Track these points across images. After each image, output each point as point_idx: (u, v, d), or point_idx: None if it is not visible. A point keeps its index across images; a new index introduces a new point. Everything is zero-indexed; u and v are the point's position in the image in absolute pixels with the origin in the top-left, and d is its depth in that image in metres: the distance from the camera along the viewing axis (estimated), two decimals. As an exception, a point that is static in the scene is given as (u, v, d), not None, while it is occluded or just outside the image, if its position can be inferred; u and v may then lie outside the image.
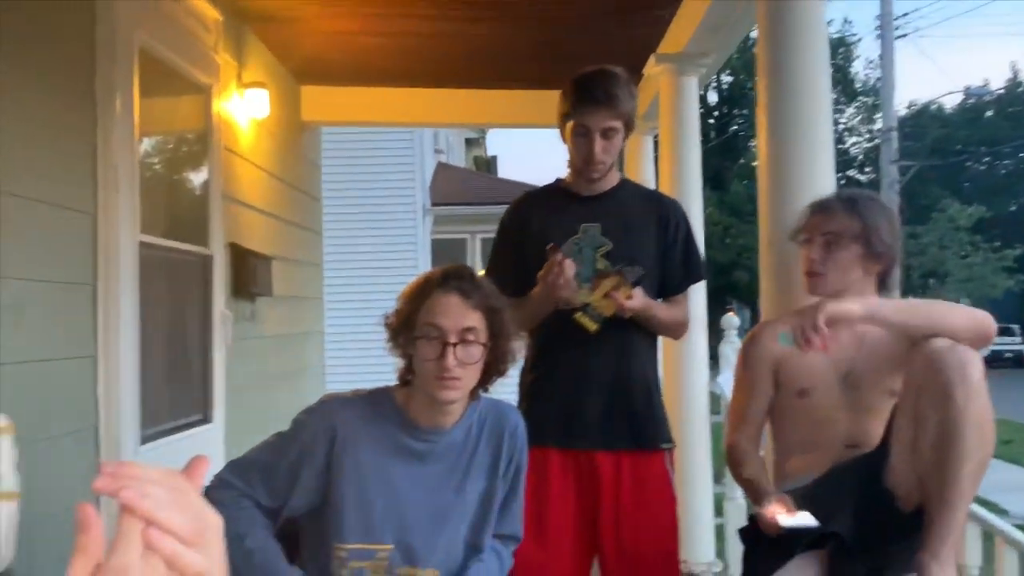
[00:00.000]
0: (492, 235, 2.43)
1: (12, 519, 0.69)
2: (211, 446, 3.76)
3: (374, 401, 1.77)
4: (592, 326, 2.16)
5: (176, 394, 3.66)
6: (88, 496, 0.66)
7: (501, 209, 2.53)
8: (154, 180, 3.52)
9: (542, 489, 2.18)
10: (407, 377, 1.77)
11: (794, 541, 1.79)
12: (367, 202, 9.45)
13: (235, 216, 4.18)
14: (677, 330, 2.38)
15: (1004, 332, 22.53)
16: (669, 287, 2.32)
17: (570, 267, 2.09)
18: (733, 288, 24.60)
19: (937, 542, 1.64)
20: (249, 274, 4.17)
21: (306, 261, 5.65)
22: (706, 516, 4.14)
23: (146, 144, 3.35)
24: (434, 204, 10.40)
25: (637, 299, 2.14)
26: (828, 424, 1.95)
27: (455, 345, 1.63)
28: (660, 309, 2.25)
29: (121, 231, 2.92)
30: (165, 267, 3.46)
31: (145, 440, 3.19)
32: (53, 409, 2.58)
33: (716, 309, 4.23)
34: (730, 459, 2.07)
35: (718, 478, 4.31)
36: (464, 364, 1.64)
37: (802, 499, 1.85)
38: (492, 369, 1.73)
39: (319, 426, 1.71)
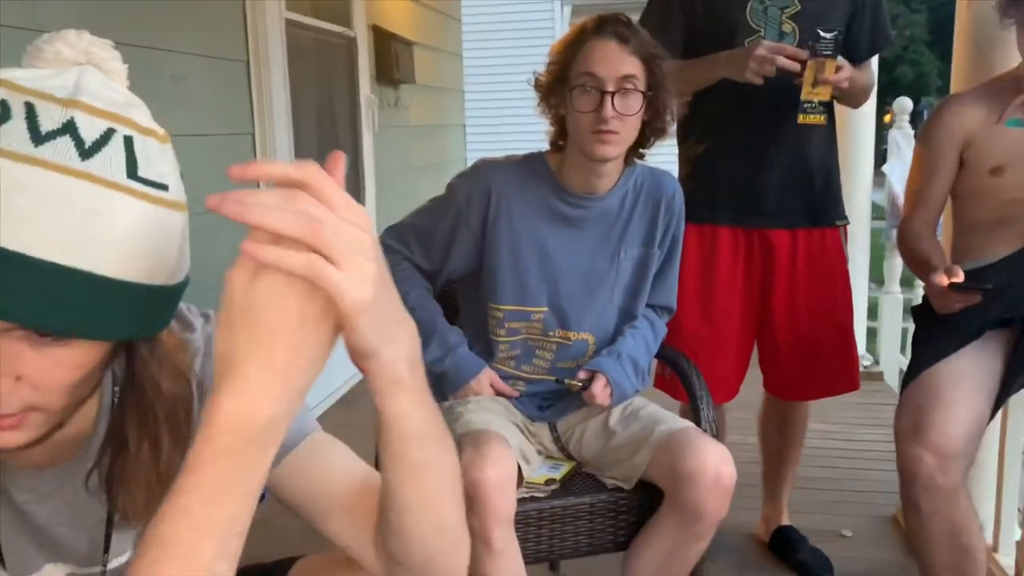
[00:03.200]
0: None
1: (184, 230, 0.69)
2: (363, 229, 3.89)
3: (527, 165, 1.72)
4: (820, 119, 2.03)
5: (329, 176, 3.77)
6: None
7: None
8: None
9: (710, 267, 2.12)
10: (559, 142, 1.71)
11: (975, 321, 1.68)
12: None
13: (376, -3, 4.09)
14: (863, 96, 2.15)
15: None
16: (855, 53, 2.07)
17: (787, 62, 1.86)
18: (896, 85, 22.70)
19: None
20: (392, 59, 4.13)
21: (447, 50, 5.54)
22: (859, 312, 4.02)
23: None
24: (573, -8, 9.85)
25: (846, 69, 1.92)
26: (1023, 203, 1.76)
27: (613, 94, 1.54)
28: (855, 77, 2.00)
29: (268, 6, 2.90)
30: (312, 47, 3.45)
31: (303, 218, 3.32)
32: (217, 184, 2.69)
33: (877, 109, 3.87)
34: (902, 239, 1.93)
35: (871, 283, 4.14)
36: (623, 116, 1.55)
37: (989, 276, 1.71)
38: (650, 127, 1.63)
39: (474, 188, 1.69)
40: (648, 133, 1.65)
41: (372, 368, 0.65)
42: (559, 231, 1.71)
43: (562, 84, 1.61)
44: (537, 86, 1.68)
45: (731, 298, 2.14)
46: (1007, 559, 2.14)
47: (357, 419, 2.05)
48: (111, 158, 0.62)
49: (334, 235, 0.56)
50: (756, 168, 2.08)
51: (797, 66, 1.87)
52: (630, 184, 1.73)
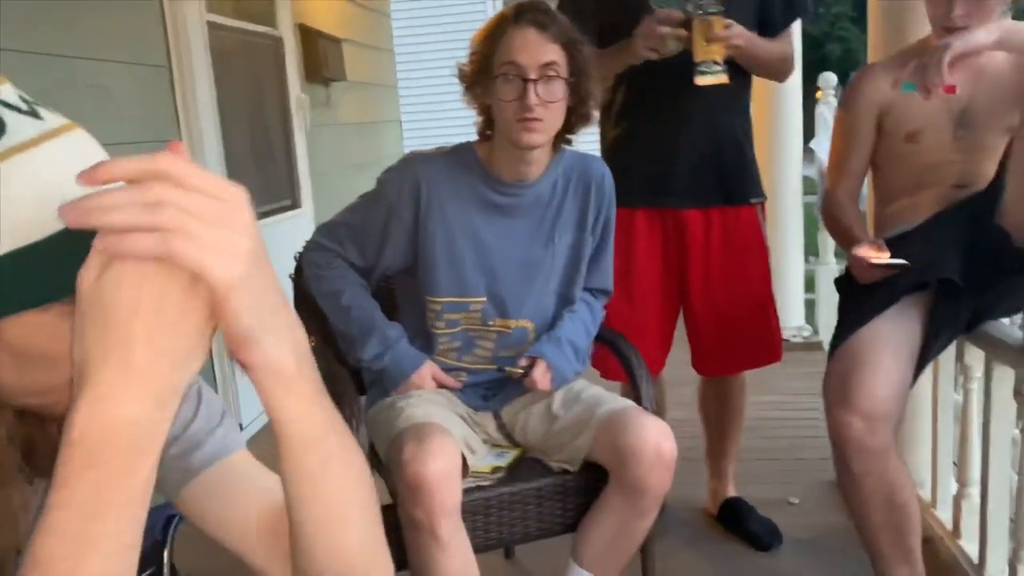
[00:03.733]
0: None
1: None
2: (301, 230, 3.86)
3: (456, 156, 1.72)
4: (722, 78, 1.99)
5: (263, 179, 3.72)
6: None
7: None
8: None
9: (628, 248, 2.15)
10: (486, 131, 1.71)
11: (893, 288, 1.73)
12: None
13: (301, -5, 4.04)
14: (782, 67, 2.18)
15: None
16: (770, 22, 2.11)
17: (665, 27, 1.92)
18: (825, 62, 23.15)
19: None
20: (320, 57, 4.08)
21: (377, 46, 5.50)
22: (796, 285, 4.11)
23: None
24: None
25: (736, 26, 1.95)
26: (938, 167, 1.82)
27: (536, 82, 1.55)
28: (762, 43, 2.06)
29: (188, 11, 2.85)
30: (237, 49, 3.40)
31: (238, 223, 3.28)
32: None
33: (806, 86, 3.97)
34: (826, 210, 1.99)
35: (808, 256, 4.22)
36: (546, 103, 1.56)
37: (907, 244, 1.77)
38: (575, 113, 1.64)
39: (404, 182, 1.68)
40: (573, 119, 1.66)
41: (253, 361, 0.58)
42: (492, 220, 1.71)
43: (485, 74, 1.61)
44: (462, 77, 1.68)
45: (650, 279, 2.18)
46: (945, 513, 2.21)
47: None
48: (41, 111, 0.65)
49: (187, 215, 0.51)
50: (667, 150, 2.11)
51: (684, 32, 1.91)
52: (560, 170, 1.74)
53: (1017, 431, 1.88)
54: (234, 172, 3.23)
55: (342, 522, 0.68)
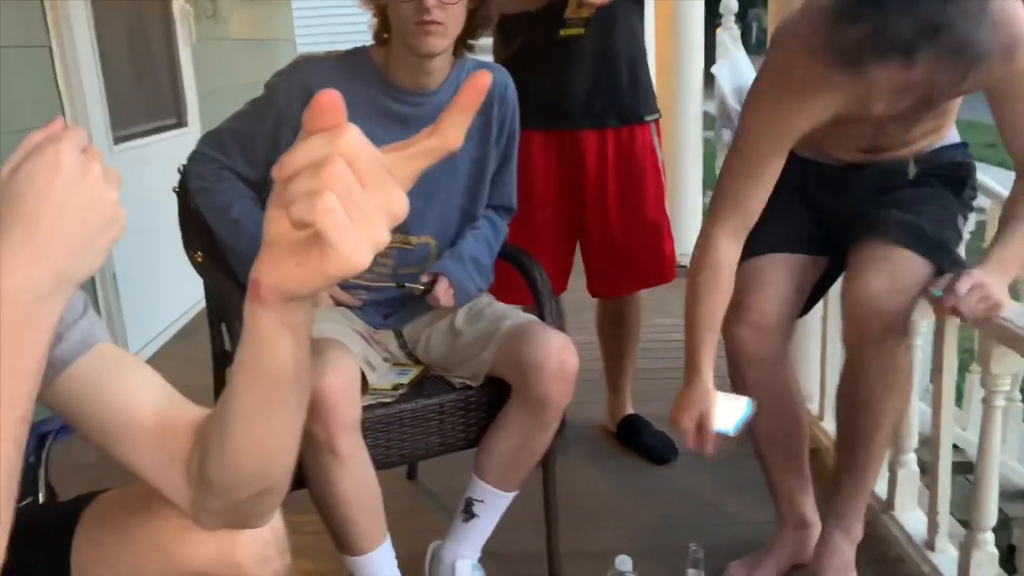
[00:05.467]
0: None
1: None
2: (187, 150, 3.64)
3: (350, 61, 1.63)
4: (580, 31, 2.04)
5: (146, 95, 3.49)
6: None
7: None
8: None
9: (525, 171, 2.10)
10: (383, 35, 1.62)
11: (798, 235, 1.74)
12: None
13: None
14: None
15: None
16: None
17: None
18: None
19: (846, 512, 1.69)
20: (206, -35, 3.83)
21: (267, -42, 5.20)
22: (694, 211, 4.17)
23: None
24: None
25: None
26: (849, 134, 1.74)
27: None
28: None
29: (52, -99, 2.60)
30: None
31: (118, 140, 3.08)
32: (15, 101, 2.43)
33: (708, 19, 3.95)
34: (703, 261, 1.60)
35: (707, 188, 4.28)
36: (446, 4, 1.48)
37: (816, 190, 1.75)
38: (476, 17, 1.57)
39: (294, 86, 1.58)
40: (474, 23, 1.59)
41: (280, 303, 0.63)
42: (390, 131, 1.60)
43: (381, -29, 1.52)
44: (355, -27, 1.58)
45: (547, 202, 2.16)
46: (830, 425, 2.32)
47: (195, 352, 1.94)
48: None
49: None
50: (559, 73, 2.07)
51: None
52: (461, 79, 1.67)
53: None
54: (113, 86, 3.01)
55: (284, 407, 0.72)
